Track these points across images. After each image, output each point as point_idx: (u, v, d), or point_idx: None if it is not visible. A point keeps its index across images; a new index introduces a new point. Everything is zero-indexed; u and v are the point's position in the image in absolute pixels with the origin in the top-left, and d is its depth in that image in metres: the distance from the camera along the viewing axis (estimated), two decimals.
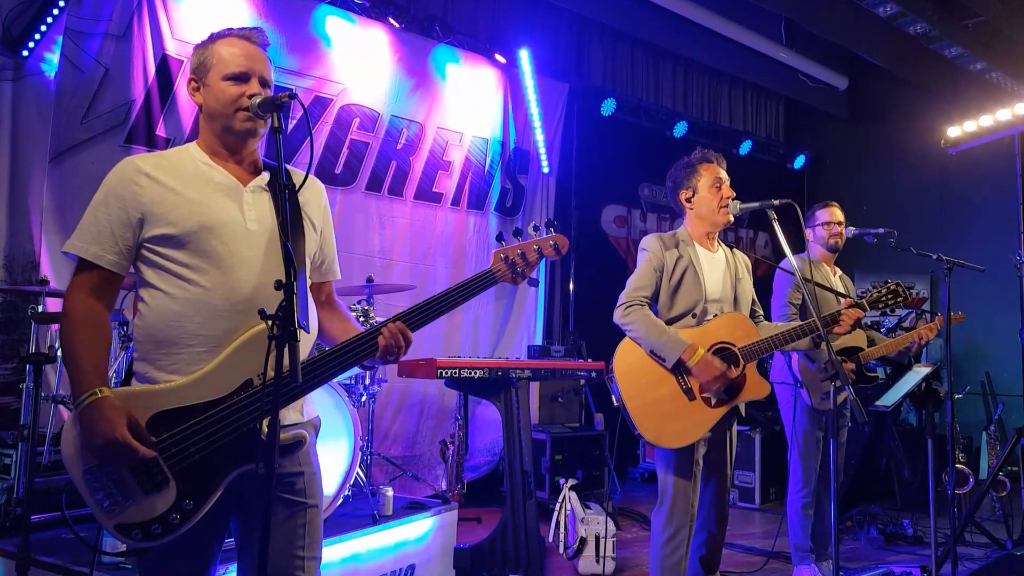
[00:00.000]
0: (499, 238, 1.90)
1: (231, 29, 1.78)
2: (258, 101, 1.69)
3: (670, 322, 2.87)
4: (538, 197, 6.38)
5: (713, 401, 2.80)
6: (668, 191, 3.09)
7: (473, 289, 1.82)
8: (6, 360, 4.04)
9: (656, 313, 2.90)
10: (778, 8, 6.42)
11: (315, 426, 1.83)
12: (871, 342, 3.77)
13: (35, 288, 3.60)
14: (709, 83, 7.75)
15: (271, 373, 1.44)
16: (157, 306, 1.65)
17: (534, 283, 1.94)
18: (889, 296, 3.04)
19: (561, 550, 4.05)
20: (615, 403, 2.83)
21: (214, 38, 1.77)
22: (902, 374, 3.73)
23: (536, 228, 1.90)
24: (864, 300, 3.02)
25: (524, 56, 6.00)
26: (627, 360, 2.82)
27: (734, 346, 2.84)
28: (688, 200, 2.98)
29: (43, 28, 4.12)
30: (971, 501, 4.63)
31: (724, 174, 2.97)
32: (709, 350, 2.79)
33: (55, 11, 4.11)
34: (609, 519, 4.00)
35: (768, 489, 5.68)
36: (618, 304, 2.88)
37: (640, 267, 2.93)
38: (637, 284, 2.89)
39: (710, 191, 2.93)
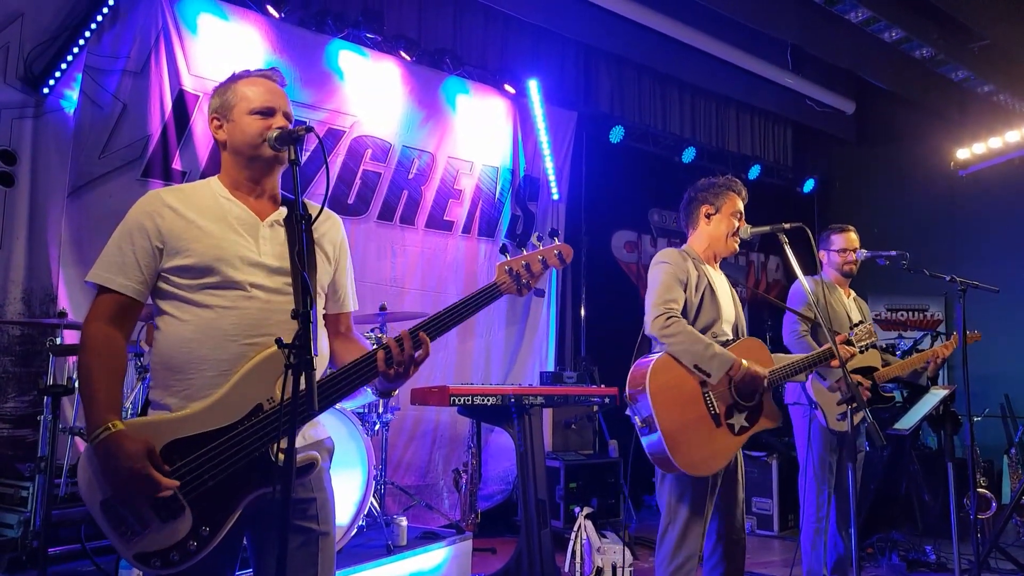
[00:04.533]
0: (503, 250, 1.89)
1: (249, 71, 1.85)
2: (275, 135, 1.73)
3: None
4: (548, 223, 6.41)
5: (737, 428, 2.75)
6: (687, 202, 3.05)
7: (478, 303, 1.81)
8: (24, 392, 4.07)
9: None
10: (784, 34, 6.49)
11: (328, 450, 1.83)
12: (885, 364, 3.75)
13: (53, 321, 3.64)
14: (717, 109, 7.80)
15: (288, 400, 1.46)
16: (170, 332, 1.68)
17: (540, 293, 1.94)
18: (865, 335, 3.09)
19: None
20: (639, 424, 2.69)
21: (235, 78, 1.83)
22: (919, 397, 3.70)
23: (540, 238, 1.90)
24: (853, 339, 3.05)
25: (533, 86, 6.08)
26: (660, 379, 2.67)
27: None
28: (708, 216, 2.97)
29: (63, 66, 4.22)
30: (994, 526, 4.56)
31: (742, 208, 3.00)
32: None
33: (75, 49, 4.21)
34: (626, 548, 3.95)
35: (787, 516, 5.61)
36: (654, 315, 2.73)
37: (662, 278, 2.80)
38: (667, 295, 2.75)
39: (730, 216, 2.95)
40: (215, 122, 1.81)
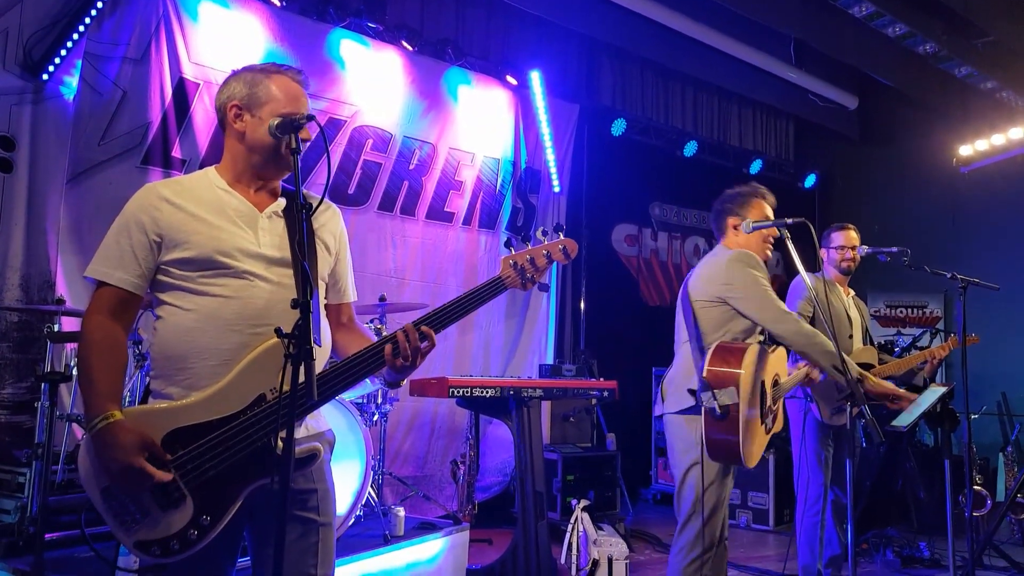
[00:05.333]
0: (507, 244, 1.89)
1: (280, 66, 1.81)
2: (276, 123, 1.71)
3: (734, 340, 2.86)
4: (549, 216, 6.41)
5: (767, 428, 2.83)
6: (715, 214, 3.08)
7: (483, 296, 1.80)
8: (22, 379, 4.06)
9: (699, 334, 2.87)
10: (787, 28, 6.46)
11: (329, 442, 1.83)
12: (881, 362, 3.75)
13: (51, 308, 3.64)
14: (719, 103, 7.78)
15: (287, 390, 1.46)
16: (172, 322, 1.68)
17: (544, 288, 1.92)
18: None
19: (573, 572, 4.01)
20: (717, 408, 2.61)
21: (268, 72, 1.78)
22: (918, 394, 3.70)
23: (544, 233, 1.88)
24: None
25: (535, 77, 6.06)
26: (748, 372, 2.68)
27: (780, 379, 2.93)
28: (735, 228, 2.99)
29: (63, 52, 4.19)
30: (989, 523, 4.56)
31: (771, 213, 3.02)
32: (772, 383, 2.86)
33: (75, 35, 4.19)
34: (622, 541, 3.96)
35: (782, 511, 5.62)
36: (788, 319, 2.79)
37: (767, 288, 2.84)
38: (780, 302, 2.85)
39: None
40: (234, 111, 1.75)
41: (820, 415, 3.52)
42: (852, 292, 3.90)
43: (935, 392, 3.56)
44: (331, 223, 1.88)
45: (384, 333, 3.88)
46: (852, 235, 3.82)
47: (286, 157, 1.74)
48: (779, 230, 2.83)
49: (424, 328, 1.71)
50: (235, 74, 1.80)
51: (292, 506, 1.67)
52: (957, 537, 3.55)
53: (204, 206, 1.71)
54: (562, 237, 1.88)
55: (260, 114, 1.74)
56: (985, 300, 4.07)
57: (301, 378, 1.47)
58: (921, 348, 4.82)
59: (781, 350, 2.95)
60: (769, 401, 2.82)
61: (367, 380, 1.80)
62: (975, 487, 4.51)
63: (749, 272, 2.85)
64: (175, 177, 1.91)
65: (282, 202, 1.80)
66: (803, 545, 3.62)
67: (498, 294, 1.83)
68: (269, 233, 1.74)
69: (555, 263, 1.87)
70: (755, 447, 2.74)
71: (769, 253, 3.01)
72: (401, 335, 1.69)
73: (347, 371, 1.69)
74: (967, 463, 3.97)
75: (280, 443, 1.59)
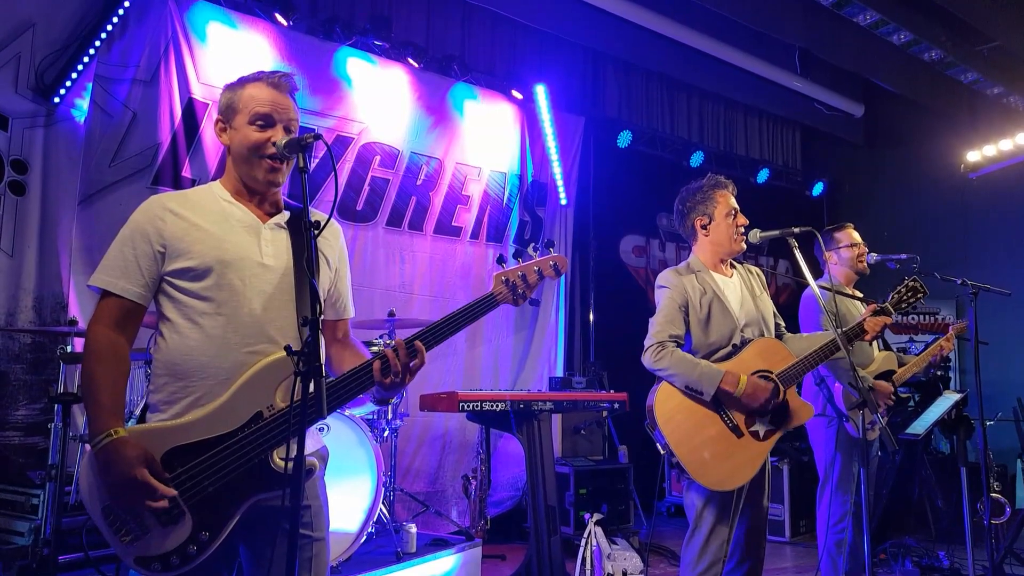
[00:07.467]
0: (499, 260, 1.89)
1: (261, 73, 1.82)
2: (284, 142, 1.73)
3: (707, 356, 2.78)
4: (556, 228, 6.42)
5: (762, 434, 2.72)
6: (678, 216, 3.00)
7: (475, 313, 1.82)
8: (35, 400, 4.09)
9: (690, 349, 2.81)
10: (792, 38, 6.47)
11: (323, 458, 1.84)
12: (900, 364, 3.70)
13: (64, 329, 3.66)
14: (724, 112, 7.79)
15: (299, 406, 1.47)
16: (173, 340, 1.70)
17: (535, 303, 1.94)
18: (909, 293, 2.94)
19: None
20: (661, 451, 2.70)
21: (244, 81, 1.81)
22: (932, 401, 3.66)
23: (536, 248, 1.90)
24: (887, 304, 2.92)
25: (540, 91, 6.09)
26: (667, 407, 2.70)
27: (771, 373, 2.76)
28: (704, 227, 2.92)
29: (74, 75, 4.25)
30: (1009, 531, 4.51)
31: (735, 202, 2.93)
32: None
33: (85, 59, 4.24)
34: (636, 555, 3.93)
35: (799, 522, 5.56)
36: (646, 346, 2.76)
37: (663, 304, 2.82)
38: (663, 322, 2.77)
39: (726, 219, 2.88)
40: (219, 124, 1.80)
41: (859, 433, 3.43)
42: (861, 295, 3.86)
43: (949, 399, 3.53)
44: (333, 238, 1.91)
45: None
46: (854, 232, 3.78)
47: (263, 175, 1.75)
48: (787, 240, 2.80)
49: (417, 344, 1.72)
50: (223, 90, 1.83)
51: (287, 522, 1.68)
52: (976, 546, 3.50)
53: (208, 217, 1.74)
54: (553, 253, 1.91)
55: (235, 123, 1.77)
56: (997, 306, 4.04)
57: (298, 396, 1.49)
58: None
59: (761, 343, 2.80)
60: (744, 408, 2.70)
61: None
62: (993, 494, 4.44)
63: (659, 294, 2.87)
64: (180, 190, 1.93)
65: (286, 215, 1.82)
66: (826, 562, 3.55)
67: (490, 310, 1.85)
68: (272, 244, 1.76)
69: (547, 278, 1.89)
70: (730, 466, 2.66)
71: (743, 245, 2.88)
72: (391, 353, 1.70)
73: (338, 390, 1.70)
74: (984, 470, 3.93)
75: (278, 460, 1.62)
